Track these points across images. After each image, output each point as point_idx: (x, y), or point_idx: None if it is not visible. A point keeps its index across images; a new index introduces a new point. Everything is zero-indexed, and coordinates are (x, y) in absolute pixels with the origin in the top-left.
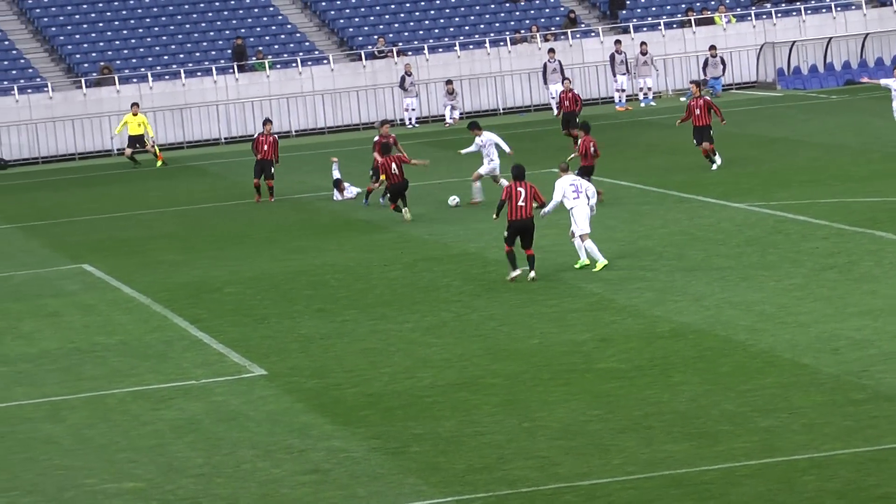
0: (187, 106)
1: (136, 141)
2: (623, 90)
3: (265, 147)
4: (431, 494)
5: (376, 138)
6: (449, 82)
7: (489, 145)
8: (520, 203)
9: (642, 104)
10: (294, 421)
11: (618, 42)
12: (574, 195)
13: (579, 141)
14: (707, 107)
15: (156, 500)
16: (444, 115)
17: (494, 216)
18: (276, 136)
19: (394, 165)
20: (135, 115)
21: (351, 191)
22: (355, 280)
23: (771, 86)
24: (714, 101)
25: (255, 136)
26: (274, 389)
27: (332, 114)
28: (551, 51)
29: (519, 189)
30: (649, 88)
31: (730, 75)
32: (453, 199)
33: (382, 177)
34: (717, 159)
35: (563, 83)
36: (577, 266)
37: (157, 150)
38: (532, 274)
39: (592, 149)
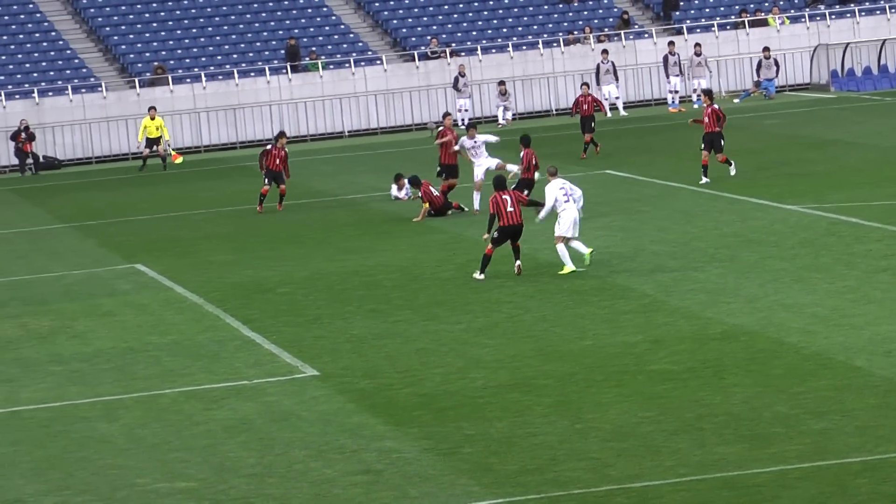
0: (240, 106)
1: (154, 143)
2: (676, 91)
3: (277, 161)
4: (483, 495)
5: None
6: (502, 83)
7: (480, 146)
8: (509, 209)
9: (695, 105)
10: (346, 421)
11: (671, 43)
12: (564, 199)
13: (521, 153)
14: (716, 115)
15: (208, 500)
16: (497, 116)
17: (485, 235)
18: (287, 150)
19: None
20: (152, 118)
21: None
22: (408, 280)
23: (824, 87)
24: (722, 110)
25: (268, 147)
26: (326, 390)
27: (385, 114)
28: (604, 52)
29: (504, 197)
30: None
31: (783, 77)
32: (511, 168)
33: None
34: (732, 170)
35: (581, 87)
36: (561, 272)
37: (173, 152)
38: (518, 263)
39: (534, 161)
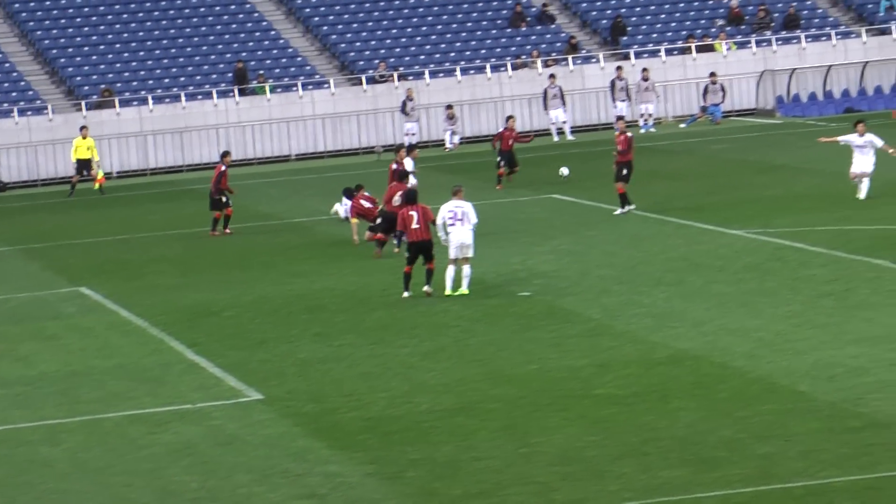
0: (188, 129)
1: (84, 166)
2: (622, 116)
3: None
4: None
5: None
6: (449, 107)
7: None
8: (414, 226)
9: (642, 130)
10: (291, 445)
11: (619, 68)
12: (450, 222)
13: (344, 207)
14: (628, 143)
15: None
16: (444, 140)
17: (395, 250)
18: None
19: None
20: (84, 137)
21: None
22: (354, 304)
23: (770, 113)
24: (634, 135)
25: (223, 169)
26: (271, 413)
27: (333, 138)
28: (552, 76)
29: (411, 213)
30: (650, 115)
31: (730, 102)
32: (564, 171)
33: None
34: (629, 206)
35: (508, 120)
36: (459, 292)
37: (101, 174)
38: (426, 288)
39: (367, 203)
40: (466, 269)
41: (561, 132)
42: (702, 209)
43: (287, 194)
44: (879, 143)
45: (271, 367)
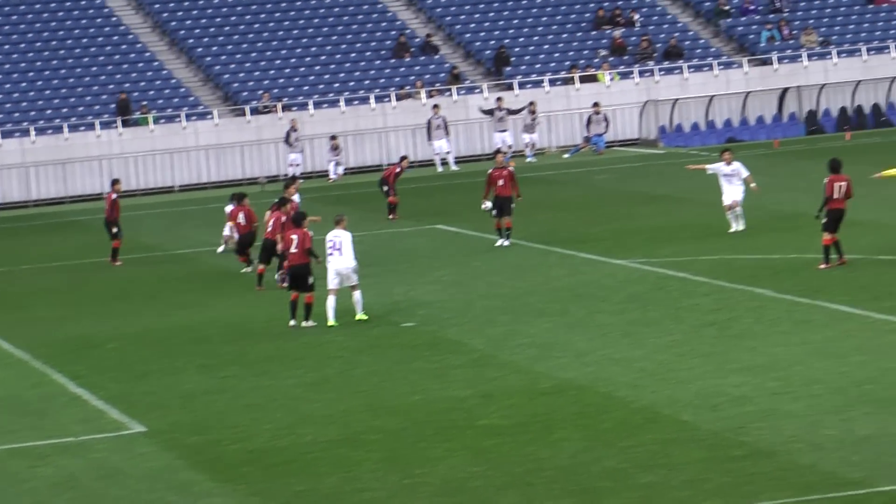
0: (70, 160)
1: None
2: (510, 146)
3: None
4: None
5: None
6: (333, 137)
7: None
8: (293, 249)
9: (528, 160)
10: (174, 478)
11: (499, 99)
12: (329, 251)
13: (228, 209)
14: (511, 177)
15: None
16: (328, 171)
17: (276, 277)
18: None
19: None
20: None
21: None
22: (238, 336)
23: (653, 143)
24: (516, 172)
25: (113, 196)
26: (154, 446)
27: (217, 169)
28: (436, 106)
29: (292, 236)
30: (533, 144)
31: (613, 132)
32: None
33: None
34: (507, 242)
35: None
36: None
37: None
38: (306, 323)
39: (242, 218)
40: (356, 295)
41: (445, 163)
42: (585, 239)
43: (170, 225)
44: (745, 173)
45: (154, 399)
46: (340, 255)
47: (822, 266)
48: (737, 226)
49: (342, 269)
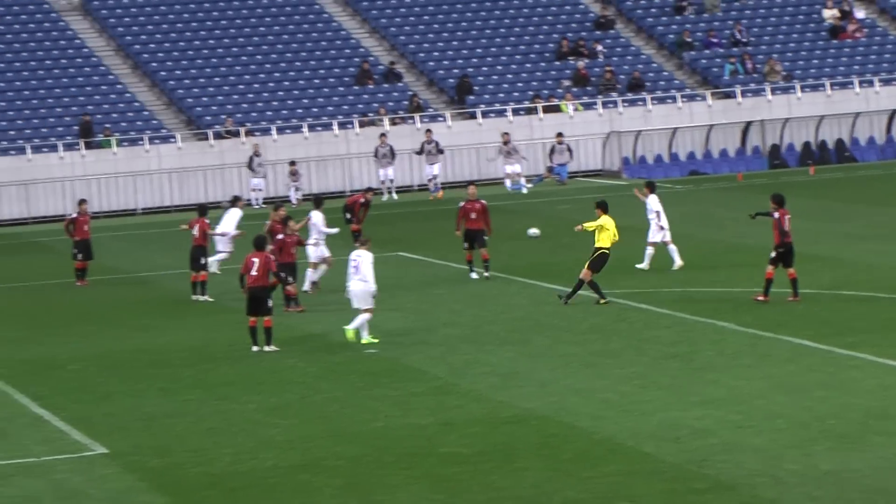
0: (33, 181)
1: None
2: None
3: (85, 227)
4: None
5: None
6: (293, 163)
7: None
8: (253, 272)
9: (510, 190)
10: (135, 500)
11: (428, 131)
12: (352, 271)
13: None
14: (483, 211)
15: None
16: (288, 196)
17: (242, 290)
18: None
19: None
20: None
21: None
22: (200, 359)
23: (617, 174)
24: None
25: (73, 216)
26: (116, 468)
27: (179, 192)
28: (382, 135)
29: (253, 259)
30: (517, 174)
31: (576, 163)
32: (533, 231)
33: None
34: (487, 273)
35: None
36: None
37: None
38: (268, 347)
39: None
40: (362, 318)
41: (390, 191)
42: (547, 269)
43: (133, 248)
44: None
45: (116, 421)
46: (357, 275)
47: (760, 298)
48: (675, 261)
49: (357, 290)
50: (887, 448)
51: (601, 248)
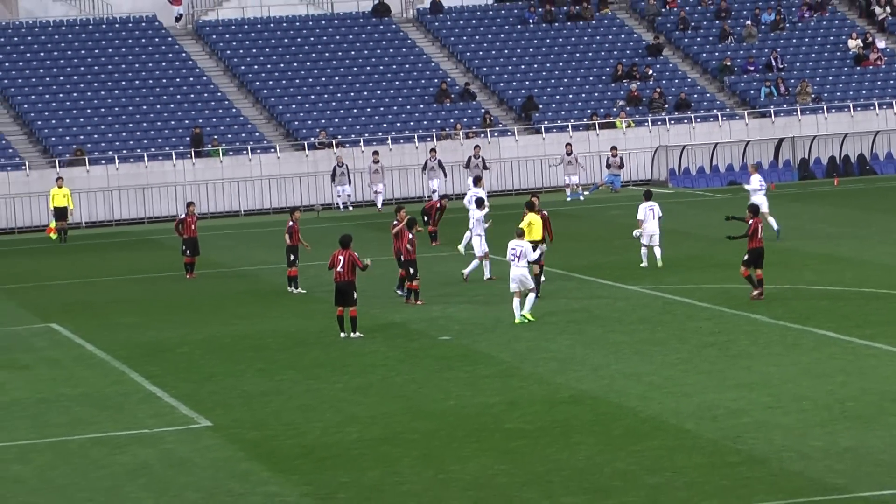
0: (149, 186)
1: (62, 214)
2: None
3: (193, 227)
4: None
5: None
6: (375, 153)
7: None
8: (338, 269)
9: (569, 199)
10: (235, 468)
11: (476, 147)
12: (510, 258)
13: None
14: (545, 222)
15: None
16: (374, 201)
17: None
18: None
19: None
20: (60, 187)
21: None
22: (293, 344)
23: (664, 184)
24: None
25: (182, 216)
26: (218, 439)
27: (277, 196)
28: (433, 150)
29: (339, 256)
30: (577, 184)
31: (627, 173)
32: (636, 232)
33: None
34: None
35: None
36: (517, 320)
37: (52, 224)
38: (354, 334)
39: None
40: (530, 297)
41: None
42: (601, 267)
43: (236, 245)
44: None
45: (219, 398)
46: (518, 262)
47: (755, 293)
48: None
49: (519, 275)
50: None
51: (534, 241)
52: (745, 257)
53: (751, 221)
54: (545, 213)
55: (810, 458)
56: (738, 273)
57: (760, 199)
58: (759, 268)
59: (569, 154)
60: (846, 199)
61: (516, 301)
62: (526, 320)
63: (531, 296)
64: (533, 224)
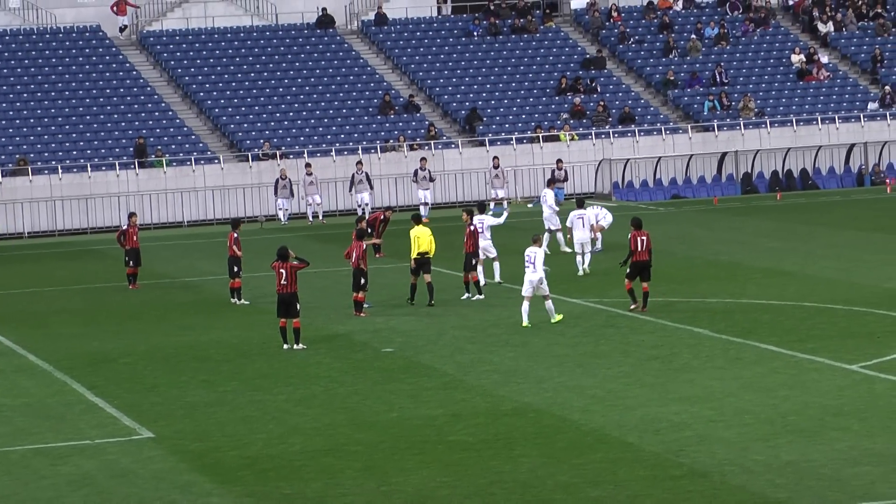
0: (92, 196)
1: None
2: (427, 203)
3: (135, 237)
4: None
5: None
6: (307, 164)
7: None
8: (282, 281)
9: (491, 213)
10: (178, 479)
11: (423, 159)
12: (526, 264)
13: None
14: (475, 235)
15: None
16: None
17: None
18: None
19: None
20: None
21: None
22: (237, 355)
23: (607, 197)
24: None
25: (125, 227)
26: (161, 450)
27: (221, 207)
28: (359, 163)
29: (281, 270)
30: (501, 198)
31: (571, 186)
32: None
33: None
34: (480, 295)
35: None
36: (553, 321)
37: None
38: (297, 346)
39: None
40: (548, 304)
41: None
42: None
43: (179, 256)
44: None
45: (162, 409)
46: (534, 268)
47: (633, 307)
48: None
49: (534, 280)
50: (842, 441)
51: (422, 253)
52: (628, 270)
53: (629, 235)
54: (475, 226)
55: (752, 471)
56: (681, 287)
57: (553, 219)
58: (645, 280)
59: (496, 167)
60: (789, 214)
61: (525, 304)
62: (556, 320)
63: (548, 302)
64: (419, 237)
